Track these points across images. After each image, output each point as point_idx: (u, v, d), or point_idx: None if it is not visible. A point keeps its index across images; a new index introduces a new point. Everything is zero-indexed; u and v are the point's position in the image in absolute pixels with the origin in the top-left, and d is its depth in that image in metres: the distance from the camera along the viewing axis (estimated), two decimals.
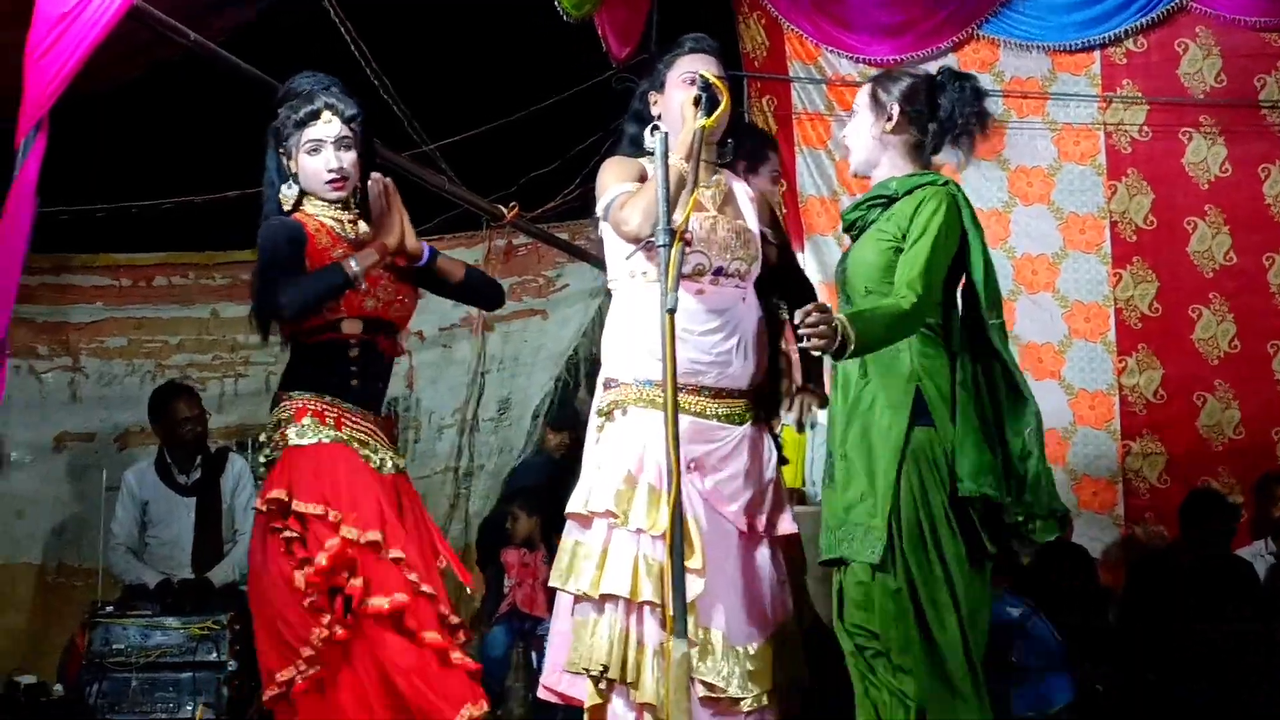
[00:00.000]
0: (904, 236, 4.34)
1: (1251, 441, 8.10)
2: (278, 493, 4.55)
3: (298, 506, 4.52)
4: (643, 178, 4.57)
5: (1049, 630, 6.31)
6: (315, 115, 4.74)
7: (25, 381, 8.90)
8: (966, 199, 4.43)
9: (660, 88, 4.75)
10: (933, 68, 7.83)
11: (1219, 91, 8.28)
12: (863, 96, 4.66)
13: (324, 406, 4.70)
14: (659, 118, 4.69)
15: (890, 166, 4.56)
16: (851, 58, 8.70)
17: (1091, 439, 8.41)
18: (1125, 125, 8.47)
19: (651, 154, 4.46)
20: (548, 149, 8.45)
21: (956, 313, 4.41)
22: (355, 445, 4.68)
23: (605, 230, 4.68)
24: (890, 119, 4.52)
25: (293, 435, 4.66)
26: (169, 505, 7.33)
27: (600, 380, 4.72)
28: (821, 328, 3.95)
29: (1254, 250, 8.10)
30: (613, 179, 4.61)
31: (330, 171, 4.71)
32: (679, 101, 4.58)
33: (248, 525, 6.54)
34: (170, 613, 6.41)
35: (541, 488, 8.10)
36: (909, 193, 4.44)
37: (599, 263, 4.85)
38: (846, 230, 4.69)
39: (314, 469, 4.61)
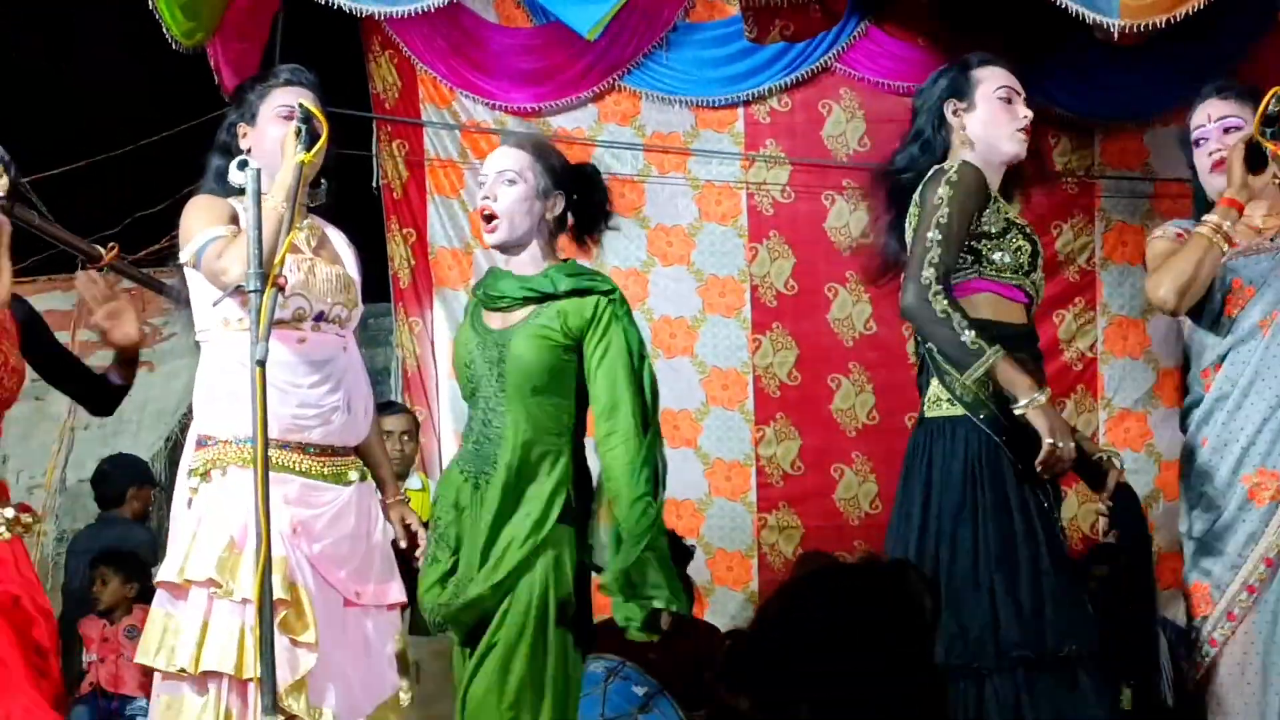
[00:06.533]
0: (577, 342, 4.55)
1: (887, 516, 8.25)
2: None
3: None
4: (234, 219, 4.48)
5: (674, 713, 6.32)
6: None
7: None
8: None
9: (251, 120, 4.68)
10: (573, 118, 8.28)
11: (862, 155, 8.49)
12: (523, 164, 4.72)
13: None
14: (248, 152, 4.59)
15: (537, 254, 4.69)
16: (488, 104, 8.77)
17: (727, 511, 8.55)
18: (768, 185, 8.69)
19: (240, 192, 4.39)
20: (157, 188, 7.95)
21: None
22: None
23: (193, 277, 4.55)
24: (557, 206, 4.69)
25: None
26: None
27: (192, 438, 4.58)
28: None
29: (893, 320, 8.27)
30: (202, 221, 4.47)
31: None
32: (274, 137, 4.53)
33: None
34: None
35: (130, 552, 7.93)
36: (577, 293, 4.59)
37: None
38: (489, 306, 4.73)
39: None
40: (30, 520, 4.87)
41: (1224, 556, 4.70)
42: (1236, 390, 4.71)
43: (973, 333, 4.42)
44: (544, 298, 4.63)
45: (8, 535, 4.72)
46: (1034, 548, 4.47)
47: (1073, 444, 4.44)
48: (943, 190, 4.58)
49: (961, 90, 4.81)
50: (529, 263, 4.70)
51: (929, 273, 4.48)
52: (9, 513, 4.77)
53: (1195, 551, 4.81)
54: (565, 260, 4.76)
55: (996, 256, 4.65)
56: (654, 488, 4.52)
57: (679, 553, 7.22)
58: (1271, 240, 4.77)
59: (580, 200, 4.78)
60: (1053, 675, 4.41)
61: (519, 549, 4.50)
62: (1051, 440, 4.37)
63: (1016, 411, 4.41)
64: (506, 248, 4.75)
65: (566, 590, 4.52)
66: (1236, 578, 4.65)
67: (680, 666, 7.01)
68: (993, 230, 4.66)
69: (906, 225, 4.74)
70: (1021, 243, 4.70)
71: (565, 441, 4.62)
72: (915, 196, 4.70)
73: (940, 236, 4.51)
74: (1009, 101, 4.80)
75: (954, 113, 4.76)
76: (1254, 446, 4.66)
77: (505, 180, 4.71)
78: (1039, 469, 4.53)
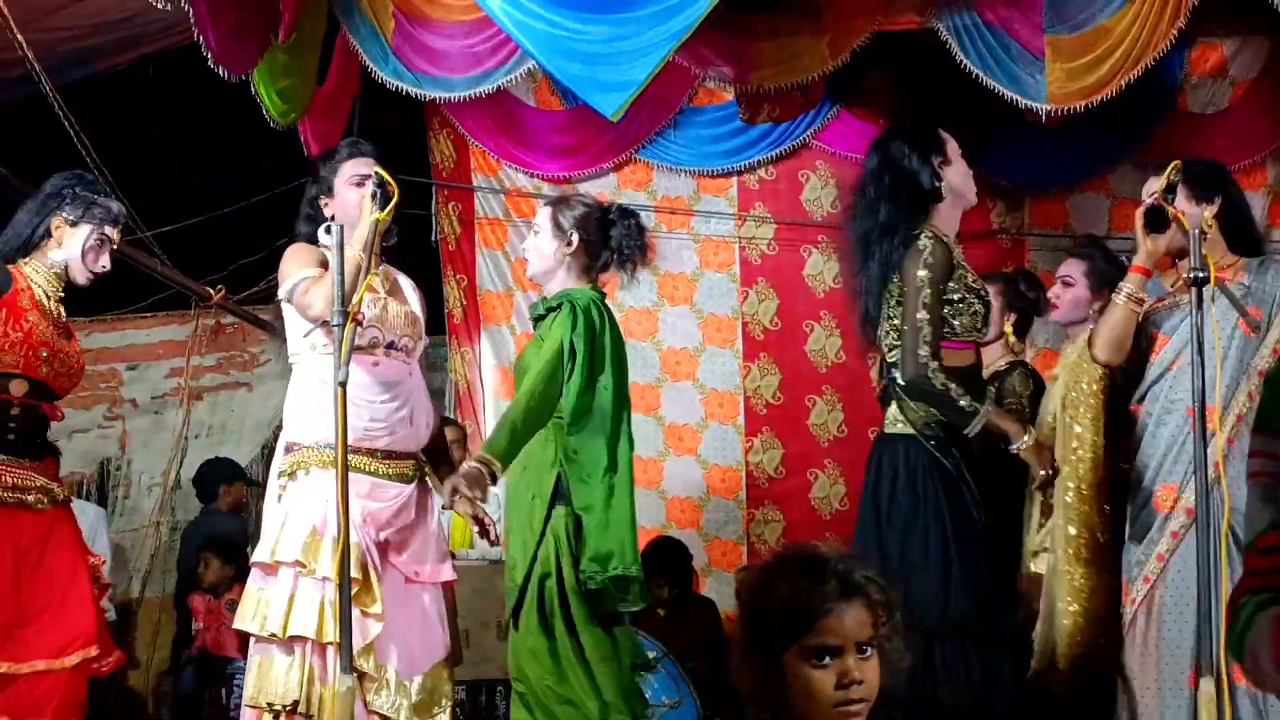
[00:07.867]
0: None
1: (853, 512, 8.55)
2: None
3: None
4: (324, 263, 4.68)
5: (676, 670, 6.78)
6: (115, 221, 5.08)
7: None
8: (601, 310, 5.01)
9: (329, 192, 4.90)
10: (597, 185, 8.49)
11: (834, 215, 8.64)
12: (544, 217, 5.17)
13: None
14: (332, 218, 4.78)
15: (562, 280, 5.10)
16: (528, 173, 9.10)
17: (722, 507, 8.90)
18: (757, 240, 9.01)
19: (328, 247, 4.58)
20: (256, 239, 8.59)
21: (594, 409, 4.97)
22: (7, 497, 4.86)
23: (287, 310, 4.80)
24: (570, 244, 5.08)
25: None
26: None
27: (281, 444, 4.84)
28: (475, 491, 4.61)
29: (859, 352, 7.85)
30: (296, 265, 4.71)
31: (102, 267, 5.04)
32: (352, 200, 4.75)
33: None
34: None
35: (228, 539, 8.34)
36: (551, 311, 5.06)
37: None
38: (535, 323, 5.25)
39: None
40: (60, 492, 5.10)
41: (1138, 550, 5.00)
42: (1152, 420, 5.00)
43: (968, 399, 4.78)
44: (540, 317, 5.11)
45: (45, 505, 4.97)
46: (968, 539, 4.85)
47: (1055, 464, 4.97)
48: (923, 273, 4.82)
49: (941, 147, 5.07)
50: (552, 290, 5.12)
51: (924, 351, 4.77)
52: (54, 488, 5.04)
53: (1125, 551, 5.12)
54: (586, 288, 5.07)
55: (957, 322, 4.93)
56: (507, 442, 4.74)
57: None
58: (1182, 296, 4.90)
59: (593, 237, 5.10)
60: (985, 645, 4.83)
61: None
62: (1044, 472, 4.85)
63: (1012, 450, 4.81)
64: (536, 279, 5.21)
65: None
66: (1141, 571, 4.96)
67: (682, 633, 7.47)
68: (954, 298, 4.92)
69: (887, 294, 4.96)
70: (977, 306, 5.00)
71: (558, 428, 4.92)
72: (899, 269, 4.92)
73: (927, 316, 4.80)
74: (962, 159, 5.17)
75: (940, 165, 5.01)
76: (1163, 465, 4.95)
77: (533, 230, 5.23)
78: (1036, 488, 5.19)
